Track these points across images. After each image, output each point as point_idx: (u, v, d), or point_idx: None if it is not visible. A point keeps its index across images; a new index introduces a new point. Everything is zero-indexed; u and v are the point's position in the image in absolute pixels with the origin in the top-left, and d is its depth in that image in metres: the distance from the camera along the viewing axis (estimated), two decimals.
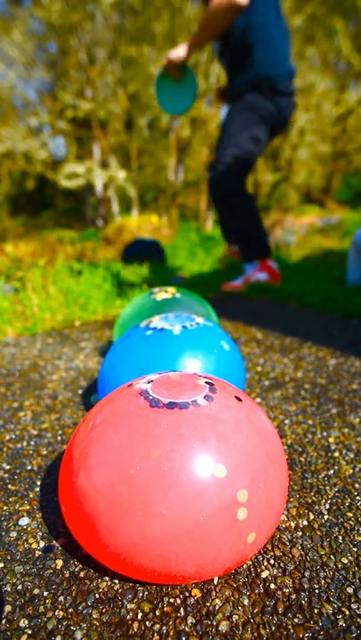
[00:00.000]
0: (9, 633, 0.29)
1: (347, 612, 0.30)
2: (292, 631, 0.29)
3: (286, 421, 0.59)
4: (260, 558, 0.35)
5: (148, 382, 0.36)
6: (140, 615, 0.30)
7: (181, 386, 0.35)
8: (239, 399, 0.35)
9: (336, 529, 0.39)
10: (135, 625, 0.30)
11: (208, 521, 0.27)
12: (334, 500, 0.42)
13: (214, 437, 0.29)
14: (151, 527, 0.27)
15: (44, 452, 0.52)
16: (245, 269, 1.62)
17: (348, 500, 0.42)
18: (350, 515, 0.40)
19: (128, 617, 0.30)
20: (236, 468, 0.29)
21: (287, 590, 0.32)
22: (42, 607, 0.31)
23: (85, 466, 0.31)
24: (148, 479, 0.28)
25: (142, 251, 2.41)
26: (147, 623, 0.30)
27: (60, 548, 0.37)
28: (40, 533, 0.39)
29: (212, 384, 0.36)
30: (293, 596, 0.32)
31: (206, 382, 0.36)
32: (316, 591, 0.32)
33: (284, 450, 0.36)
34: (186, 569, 0.28)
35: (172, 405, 0.31)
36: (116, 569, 0.30)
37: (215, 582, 0.33)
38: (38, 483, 0.46)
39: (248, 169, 1.50)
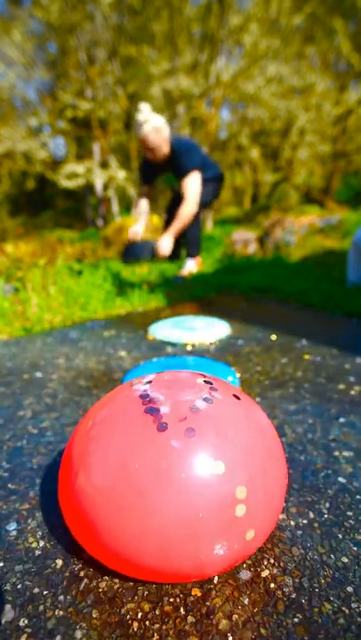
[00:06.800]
0: (9, 632, 0.29)
1: (347, 612, 0.30)
2: (292, 630, 0.29)
3: (287, 420, 0.59)
4: (260, 557, 0.35)
5: (147, 383, 0.36)
6: (140, 615, 0.30)
7: (180, 385, 0.35)
8: (237, 397, 0.35)
9: (336, 528, 0.39)
10: (135, 624, 0.30)
11: (207, 517, 0.27)
12: (334, 499, 0.42)
13: (213, 433, 0.29)
14: (150, 523, 0.27)
15: (44, 451, 0.52)
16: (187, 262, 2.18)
17: (349, 499, 0.42)
18: (350, 514, 0.40)
19: (128, 616, 0.30)
20: (235, 465, 0.29)
21: (287, 589, 0.32)
22: (42, 606, 0.31)
23: (85, 463, 0.31)
24: (147, 475, 0.28)
25: (142, 251, 2.40)
26: (147, 623, 0.30)
27: (60, 548, 0.37)
28: (40, 532, 0.39)
29: (211, 382, 0.36)
30: (294, 596, 0.32)
31: (205, 381, 0.36)
32: (317, 590, 0.32)
33: (282, 447, 0.36)
34: (185, 565, 0.28)
35: (170, 407, 0.31)
36: (116, 567, 0.30)
37: (215, 581, 0.33)
38: (38, 481, 0.46)
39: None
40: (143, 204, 2.24)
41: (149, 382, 0.35)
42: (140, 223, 2.24)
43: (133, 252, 2.43)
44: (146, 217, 2.28)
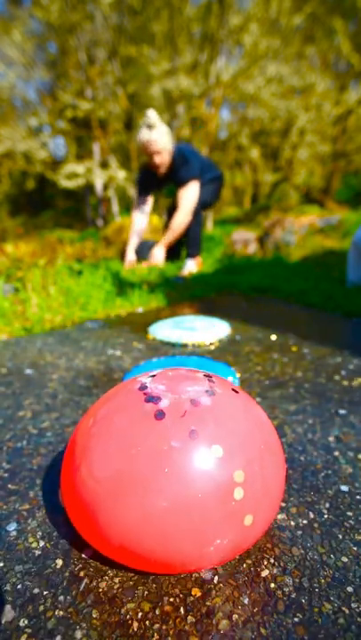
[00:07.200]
0: (9, 632, 0.29)
1: (347, 612, 0.30)
2: (292, 630, 0.29)
3: (287, 420, 0.59)
4: (260, 557, 0.35)
5: (150, 377, 0.37)
6: (140, 615, 0.30)
7: (181, 377, 0.36)
8: (236, 391, 0.36)
9: (336, 528, 0.39)
10: (135, 624, 0.30)
11: (206, 498, 0.28)
12: (334, 499, 0.42)
13: (212, 421, 0.31)
14: (150, 508, 0.28)
15: (44, 452, 0.52)
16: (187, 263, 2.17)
17: (349, 499, 0.42)
18: (350, 514, 0.40)
19: (128, 616, 0.30)
20: (233, 450, 0.30)
21: (287, 589, 0.32)
22: (42, 607, 0.31)
23: (86, 457, 0.32)
24: (146, 461, 0.29)
25: (142, 251, 2.40)
26: (147, 623, 0.30)
27: (60, 548, 0.37)
28: (40, 533, 0.39)
29: (210, 376, 0.37)
30: (294, 595, 0.32)
31: (205, 375, 0.37)
32: (317, 590, 0.32)
33: (279, 440, 0.36)
34: (185, 548, 0.29)
35: (170, 396, 0.33)
36: (118, 558, 0.31)
37: (215, 581, 0.33)
38: (38, 482, 0.46)
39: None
40: (139, 221, 2.23)
41: (152, 377, 0.37)
42: (132, 248, 2.24)
43: None
44: (141, 236, 2.27)
